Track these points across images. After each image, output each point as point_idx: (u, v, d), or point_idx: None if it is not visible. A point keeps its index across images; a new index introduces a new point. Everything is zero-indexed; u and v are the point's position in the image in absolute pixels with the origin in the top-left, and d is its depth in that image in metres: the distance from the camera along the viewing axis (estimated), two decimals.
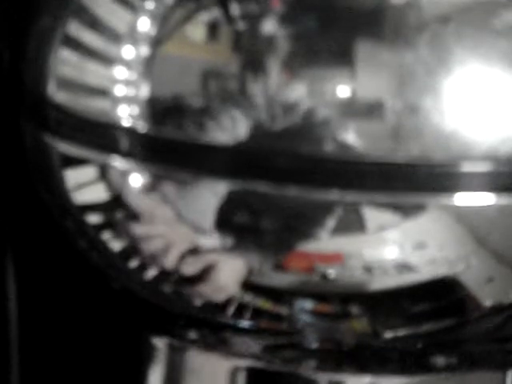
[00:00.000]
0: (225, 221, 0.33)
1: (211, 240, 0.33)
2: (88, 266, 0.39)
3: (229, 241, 0.33)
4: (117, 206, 0.35)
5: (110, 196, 0.35)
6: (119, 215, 0.35)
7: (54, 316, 0.48)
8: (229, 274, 0.34)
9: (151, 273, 0.36)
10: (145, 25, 0.33)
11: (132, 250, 0.35)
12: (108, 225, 0.36)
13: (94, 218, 0.37)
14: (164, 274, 0.35)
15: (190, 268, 0.34)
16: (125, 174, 0.34)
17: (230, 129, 0.31)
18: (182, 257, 0.34)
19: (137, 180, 0.34)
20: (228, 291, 0.35)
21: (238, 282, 0.34)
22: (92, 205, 0.36)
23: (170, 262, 0.34)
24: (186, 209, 0.33)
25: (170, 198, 0.33)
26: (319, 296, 0.34)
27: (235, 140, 0.31)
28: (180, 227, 0.33)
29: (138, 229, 0.34)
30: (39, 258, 0.46)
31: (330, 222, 0.32)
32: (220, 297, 0.35)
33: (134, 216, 0.34)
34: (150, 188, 0.33)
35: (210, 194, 0.32)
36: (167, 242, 0.34)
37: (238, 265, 0.34)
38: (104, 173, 0.34)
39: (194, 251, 0.34)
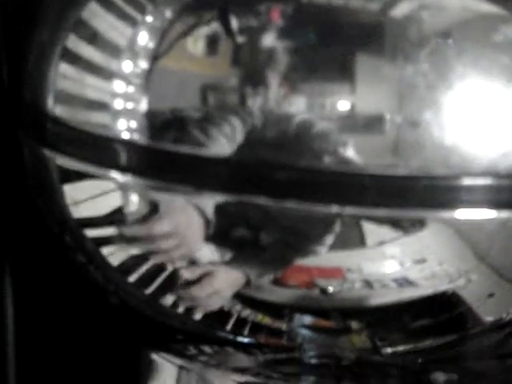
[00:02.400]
0: (223, 234, 0.33)
1: (209, 253, 0.33)
2: (86, 280, 0.39)
3: (227, 254, 0.33)
4: (118, 220, 0.35)
5: (111, 210, 0.35)
6: (120, 229, 0.35)
7: (51, 330, 0.48)
8: (226, 281, 0.34)
9: (150, 288, 0.36)
10: (144, 39, 0.33)
11: (136, 261, 0.35)
12: (107, 239, 0.36)
13: (92, 233, 0.36)
14: (163, 287, 0.35)
15: (189, 275, 0.34)
16: (123, 188, 0.34)
17: (230, 134, 0.31)
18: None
19: (138, 193, 0.34)
20: (225, 299, 0.35)
21: (236, 290, 0.34)
22: (91, 219, 0.36)
23: (182, 257, 0.34)
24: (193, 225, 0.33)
25: (176, 215, 0.33)
26: (319, 311, 0.34)
27: (234, 152, 0.31)
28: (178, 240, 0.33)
29: (154, 228, 0.34)
30: (37, 272, 0.46)
31: (330, 238, 0.32)
32: (217, 305, 0.35)
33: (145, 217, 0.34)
34: (154, 203, 0.33)
35: (219, 211, 0.32)
36: (179, 238, 0.34)
37: (237, 275, 0.34)
38: (104, 187, 0.34)
39: (192, 263, 0.34)
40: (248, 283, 0.34)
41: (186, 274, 0.34)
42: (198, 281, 0.34)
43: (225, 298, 0.35)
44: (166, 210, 0.33)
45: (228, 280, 0.34)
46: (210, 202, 0.32)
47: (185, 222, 0.33)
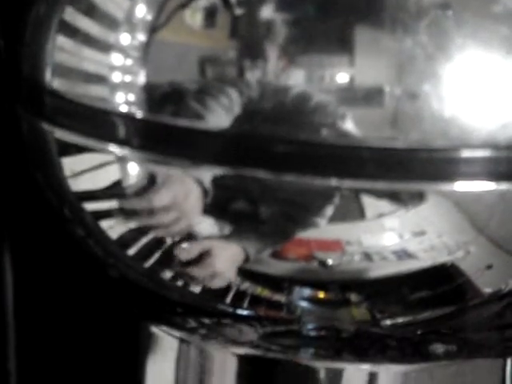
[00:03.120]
0: (222, 208, 0.33)
1: (208, 227, 0.33)
2: (86, 254, 0.39)
3: (226, 228, 0.33)
4: (117, 193, 0.35)
5: (109, 183, 0.35)
6: (119, 202, 0.35)
7: (51, 304, 0.48)
8: (226, 260, 0.34)
9: (149, 261, 0.36)
10: (142, 11, 0.33)
11: (135, 235, 0.35)
12: (106, 212, 0.36)
13: (91, 206, 0.36)
14: (162, 261, 0.35)
15: (187, 254, 0.34)
16: (122, 161, 0.34)
17: (228, 105, 0.31)
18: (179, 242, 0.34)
19: (137, 166, 0.34)
20: (224, 277, 0.35)
21: (235, 268, 0.34)
22: (90, 192, 0.36)
23: (182, 231, 0.34)
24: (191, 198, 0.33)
25: (175, 187, 0.33)
26: (318, 283, 0.34)
27: (231, 125, 0.31)
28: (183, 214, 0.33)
29: (155, 198, 0.34)
30: (36, 245, 0.46)
31: (329, 209, 0.32)
32: (217, 283, 0.35)
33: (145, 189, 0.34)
34: (152, 175, 0.33)
35: (217, 184, 0.32)
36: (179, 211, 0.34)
37: (236, 251, 0.34)
38: (102, 160, 0.34)
39: (191, 237, 0.34)
40: (247, 259, 0.34)
41: (184, 255, 0.34)
42: (197, 260, 0.34)
43: (225, 277, 0.35)
44: (163, 182, 0.33)
45: (227, 258, 0.34)
46: (208, 174, 0.32)
47: (183, 194, 0.33)
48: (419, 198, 0.31)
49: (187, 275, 0.36)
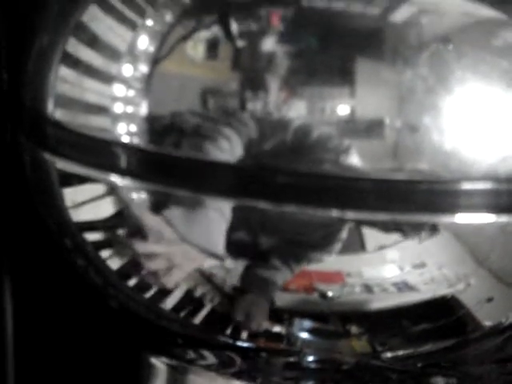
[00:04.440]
0: (227, 239, 0.33)
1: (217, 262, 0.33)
2: (86, 284, 0.39)
3: (231, 260, 0.33)
4: (117, 223, 0.35)
5: (110, 214, 0.35)
6: (120, 233, 0.35)
7: (51, 333, 0.48)
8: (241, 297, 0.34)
9: (150, 292, 0.36)
10: (144, 42, 0.33)
11: (132, 268, 0.35)
12: (106, 243, 0.36)
13: (92, 236, 0.36)
14: (163, 293, 0.35)
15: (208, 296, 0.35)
16: (124, 192, 0.34)
17: (228, 148, 0.31)
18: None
19: (139, 199, 0.34)
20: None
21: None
22: (91, 222, 0.36)
23: (172, 282, 0.34)
24: (191, 231, 0.33)
25: (174, 221, 0.33)
26: (318, 315, 0.34)
27: (234, 158, 0.31)
28: (185, 248, 0.33)
29: (141, 247, 0.34)
30: (37, 275, 0.46)
31: (335, 246, 0.32)
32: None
33: (136, 234, 0.34)
34: (154, 208, 0.33)
35: (217, 216, 0.32)
36: (171, 262, 0.34)
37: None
38: (104, 191, 0.34)
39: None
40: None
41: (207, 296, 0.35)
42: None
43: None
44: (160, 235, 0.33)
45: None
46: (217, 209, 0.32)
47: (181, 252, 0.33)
48: (420, 229, 0.31)
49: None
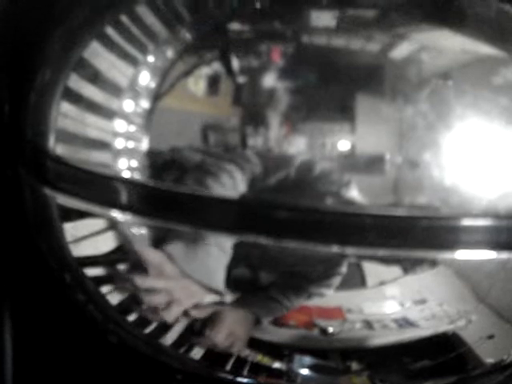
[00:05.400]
0: (226, 274, 0.33)
1: (215, 296, 0.33)
2: (86, 319, 0.39)
3: (233, 298, 0.33)
4: (118, 258, 0.35)
5: (110, 249, 0.35)
6: (120, 268, 0.35)
7: (50, 369, 0.47)
8: (236, 322, 0.34)
9: (150, 327, 0.36)
10: (146, 78, 0.33)
11: (131, 303, 0.35)
12: (106, 278, 0.36)
13: (92, 271, 0.36)
14: (162, 329, 0.35)
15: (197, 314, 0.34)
16: (125, 227, 0.34)
17: (229, 185, 0.31)
18: (185, 313, 0.34)
19: (140, 234, 0.34)
20: (240, 340, 0.35)
21: (247, 329, 0.34)
22: (91, 257, 0.36)
23: (171, 317, 0.34)
24: (192, 267, 0.33)
25: (175, 256, 0.33)
26: (319, 351, 0.34)
27: (236, 194, 0.31)
28: (185, 283, 0.33)
29: (141, 282, 0.34)
30: (36, 310, 0.46)
31: (335, 280, 0.32)
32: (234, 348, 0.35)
33: (136, 268, 0.34)
34: (155, 243, 0.33)
35: (217, 251, 0.32)
36: (171, 297, 0.34)
37: (243, 318, 0.34)
38: (104, 226, 0.34)
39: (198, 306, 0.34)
40: (258, 322, 0.34)
41: (195, 313, 0.34)
42: (209, 323, 0.34)
43: (241, 340, 0.35)
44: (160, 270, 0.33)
45: (239, 320, 0.34)
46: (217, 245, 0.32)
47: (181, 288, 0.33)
48: (420, 265, 0.31)
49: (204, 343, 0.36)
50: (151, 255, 0.33)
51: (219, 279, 0.33)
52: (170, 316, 0.34)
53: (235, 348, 0.35)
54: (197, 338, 0.35)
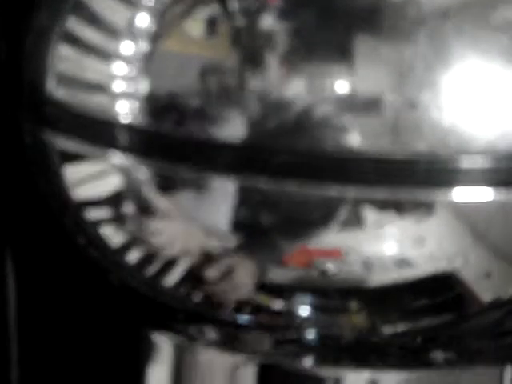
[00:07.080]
0: (228, 219, 0.33)
1: (219, 240, 0.33)
2: (87, 261, 0.39)
3: (235, 241, 0.33)
4: (117, 201, 0.35)
5: (111, 193, 0.35)
6: (121, 212, 0.35)
7: (52, 312, 0.48)
8: (243, 274, 0.34)
9: (152, 268, 0.36)
10: (143, 21, 0.33)
11: (133, 244, 0.36)
12: (107, 220, 0.36)
13: (93, 214, 0.37)
14: (164, 268, 0.36)
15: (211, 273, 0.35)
16: (125, 171, 0.34)
17: (228, 126, 0.31)
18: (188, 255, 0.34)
19: (141, 178, 0.34)
20: (243, 291, 0.35)
21: (253, 281, 0.34)
22: (91, 201, 0.36)
23: (173, 257, 0.35)
24: (194, 210, 0.33)
25: (178, 199, 0.33)
26: (318, 291, 0.34)
27: (233, 137, 0.31)
28: (186, 226, 0.34)
29: (143, 224, 0.34)
30: (38, 254, 0.46)
31: (334, 220, 0.32)
32: (236, 297, 0.35)
33: (138, 211, 0.34)
34: (157, 188, 0.33)
35: (220, 194, 0.32)
36: (173, 238, 0.34)
37: (250, 264, 0.34)
38: (104, 169, 0.34)
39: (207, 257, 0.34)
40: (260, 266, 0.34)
41: (209, 273, 0.35)
42: (212, 268, 0.35)
43: (244, 284, 0.35)
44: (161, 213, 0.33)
45: (241, 266, 0.34)
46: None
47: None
48: (419, 206, 0.31)
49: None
50: (152, 198, 0.33)
51: (221, 223, 0.33)
52: (171, 256, 0.35)
53: (237, 293, 0.35)
54: (198, 282, 0.35)
